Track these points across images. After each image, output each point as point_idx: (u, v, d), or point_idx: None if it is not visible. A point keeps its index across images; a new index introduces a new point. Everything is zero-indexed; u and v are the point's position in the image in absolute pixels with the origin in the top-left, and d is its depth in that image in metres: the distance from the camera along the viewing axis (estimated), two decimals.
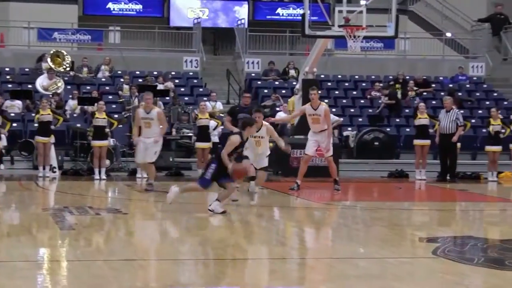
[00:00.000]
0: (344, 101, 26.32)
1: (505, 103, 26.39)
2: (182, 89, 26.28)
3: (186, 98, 25.35)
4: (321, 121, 16.83)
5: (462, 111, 22.28)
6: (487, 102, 26.43)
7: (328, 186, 17.16)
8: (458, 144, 21.05)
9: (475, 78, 28.58)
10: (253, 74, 27.80)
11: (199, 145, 20.40)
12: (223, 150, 13.00)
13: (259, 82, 27.33)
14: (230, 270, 8.82)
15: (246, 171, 13.35)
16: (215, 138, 21.06)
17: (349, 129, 24.35)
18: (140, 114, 16.96)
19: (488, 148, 21.42)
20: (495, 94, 27.46)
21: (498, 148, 21.24)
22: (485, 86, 28.27)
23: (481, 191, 19.21)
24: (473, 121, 24.21)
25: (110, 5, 30.81)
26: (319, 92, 17.94)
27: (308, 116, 17.03)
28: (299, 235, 12.10)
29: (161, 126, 16.97)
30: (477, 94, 27.53)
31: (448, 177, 20.77)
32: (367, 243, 11.05)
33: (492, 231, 12.70)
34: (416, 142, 21.24)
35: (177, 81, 26.69)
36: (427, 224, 13.51)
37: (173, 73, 27.18)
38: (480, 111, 25.97)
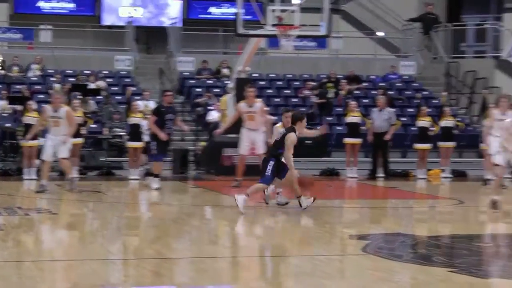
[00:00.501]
0: (277, 100, 26.40)
1: (435, 101, 26.74)
2: (115, 88, 26.09)
3: (118, 97, 25.18)
4: (257, 118, 16.92)
5: (394, 110, 22.51)
6: (417, 101, 26.75)
7: None
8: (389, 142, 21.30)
9: (406, 77, 28.90)
10: (187, 73, 27.71)
11: (131, 144, 20.23)
12: (287, 152, 13.15)
13: (192, 81, 27.27)
14: (161, 269, 8.79)
15: (312, 182, 14.19)
16: (147, 138, 20.91)
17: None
18: (47, 112, 16.06)
19: (418, 145, 21.68)
20: (425, 92, 27.82)
21: (427, 145, 21.52)
22: (415, 84, 28.62)
23: (410, 189, 19.46)
24: (403, 119, 24.48)
25: (41, 4, 30.39)
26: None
27: (244, 114, 17.10)
28: (231, 233, 12.12)
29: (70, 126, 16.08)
30: (408, 92, 27.86)
31: (383, 175, 20.98)
32: (298, 241, 11.12)
33: (420, 228, 12.88)
34: (347, 140, 21.42)
35: (109, 80, 26.49)
36: (358, 222, 13.65)
37: (105, 72, 26.93)
38: (410, 109, 26.26)
